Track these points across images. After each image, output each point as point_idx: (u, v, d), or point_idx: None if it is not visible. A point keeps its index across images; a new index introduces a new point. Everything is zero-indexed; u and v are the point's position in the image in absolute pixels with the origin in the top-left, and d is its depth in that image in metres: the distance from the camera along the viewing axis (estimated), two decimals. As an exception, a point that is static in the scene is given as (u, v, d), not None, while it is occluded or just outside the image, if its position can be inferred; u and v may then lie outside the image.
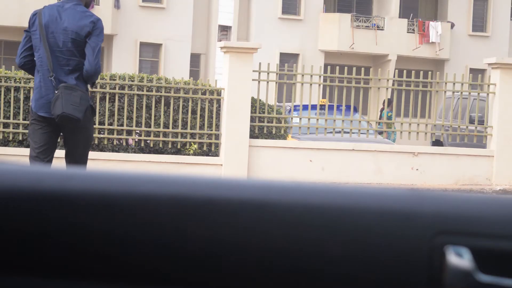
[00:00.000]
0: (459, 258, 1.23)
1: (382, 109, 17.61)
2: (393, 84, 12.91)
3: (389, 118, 16.24)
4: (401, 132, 12.58)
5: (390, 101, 17.36)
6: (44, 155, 5.85)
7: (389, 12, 30.56)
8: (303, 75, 12.22)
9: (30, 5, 25.80)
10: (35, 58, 5.79)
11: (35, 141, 5.83)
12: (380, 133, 12.74)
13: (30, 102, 6.03)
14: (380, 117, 14.57)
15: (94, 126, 11.18)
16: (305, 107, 13.16)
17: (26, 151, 11.09)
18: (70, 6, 5.75)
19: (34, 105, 5.78)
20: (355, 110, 12.93)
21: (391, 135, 15.15)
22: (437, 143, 15.73)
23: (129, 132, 11.51)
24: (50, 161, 5.88)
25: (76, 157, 5.90)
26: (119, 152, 11.47)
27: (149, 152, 11.57)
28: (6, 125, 11.21)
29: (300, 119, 12.25)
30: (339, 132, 12.26)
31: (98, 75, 5.73)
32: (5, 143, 11.27)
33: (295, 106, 13.31)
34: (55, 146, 5.96)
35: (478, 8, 31.59)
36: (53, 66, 5.69)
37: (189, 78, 14.92)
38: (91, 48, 5.64)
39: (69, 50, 5.69)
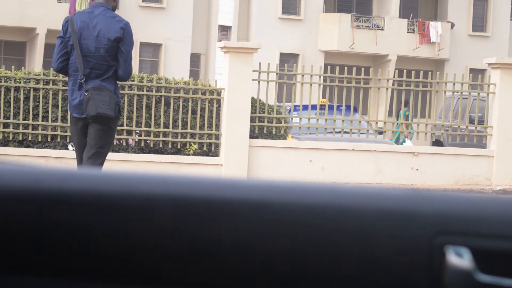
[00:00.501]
0: (459, 258, 1.23)
1: (400, 110, 17.48)
2: (393, 84, 12.92)
3: (408, 117, 16.09)
4: (401, 132, 12.58)
5: (406, 102, 17.22)
6: (81, 151, 6.22)
7: (389, 12, 30.56)
8: (303, 75, 12.22)
9: (30, 5, 25.81)
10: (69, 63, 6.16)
11: (74, 140, 6.29)
12: (380, 133, 12.74)
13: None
14: (398, 118, 14.47)
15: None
16: (305, 107, 13.16)
17: (26, 151, 11.12)
18: (100, 12, 6.07)
19: (69, 107, 6.22)
20: (355, 110, 12.93)
21: (413, 135, 15.01)
22: (437, 143, 15.72)
23: (129, 132, 11.51)
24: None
25: (94, 151, 6.10)
26: (119, 152, 11.47)
27: (149, 152, 11.57)
28: (6, 125, 11.21)
29: (300, 119, 12.25)
30: (339, 132, 12.26)
31: (130, 77, 6.21)
32: (5, 143, 11.27)
33: (295, 106, 13.31)
34: None
35: (478, 8, 31.59)
36: (84, 70, 6.02)
37: (189, 78, 14.93)
38: (124, 55, 6.03)
39: (101, 55, 6.03)
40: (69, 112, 6.84)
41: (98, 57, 6.01)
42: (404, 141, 15.29)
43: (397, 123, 12.46)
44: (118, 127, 11.32)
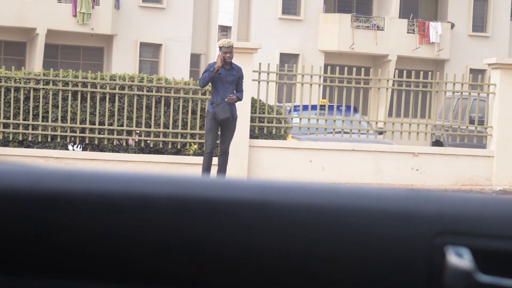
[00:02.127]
0: (459, 258, 1.23)
1: None
2: (393, 85, 12.92)
3: None
4: (401, 132, 12.58)
5: None
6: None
7: (389, 12, 30.57)
8: (303, 75, 12.22)
9: (30, 5, 25.80)
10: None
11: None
12: (380, 133, 12.74)
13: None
14: None
15: (94, 126, 11.33)
16: (305, 107, 13.16)
17: (26, 151, 11.13)
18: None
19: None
20: (355, 110, 12.92)
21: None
22: (437, 143, 15.72)
23: (129, 132, 11.52)
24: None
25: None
26: (119, 152, 11.47)
27: (149, 153, 11.57)
28: (6, 125, 11.21)
29: (300, 119, 12.25)
30: (339, 132, 12.26)
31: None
32: (5, 143, 11.27)
33: (295, 106, 13.31)
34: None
35: (478, 8, 31.59)
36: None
37: (189, 78, 14.91)
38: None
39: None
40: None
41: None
42: None
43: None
44: (118, 127, 11.38)
